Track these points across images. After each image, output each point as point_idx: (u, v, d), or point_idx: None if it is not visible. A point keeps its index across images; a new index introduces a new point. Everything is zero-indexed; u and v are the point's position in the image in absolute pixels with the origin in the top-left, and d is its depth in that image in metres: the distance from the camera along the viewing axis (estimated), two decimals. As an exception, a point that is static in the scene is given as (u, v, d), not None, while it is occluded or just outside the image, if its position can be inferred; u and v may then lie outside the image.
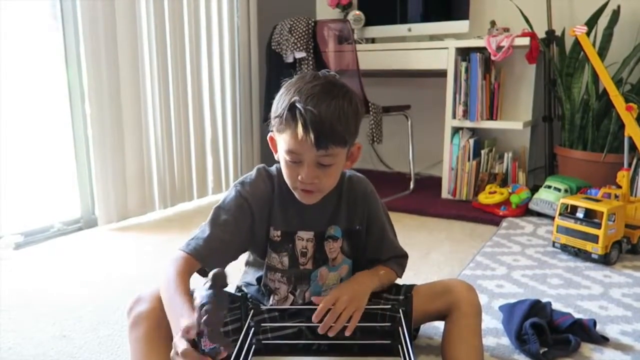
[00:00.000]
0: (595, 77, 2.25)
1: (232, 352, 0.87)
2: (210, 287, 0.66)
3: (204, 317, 0.64)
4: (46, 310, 1.37)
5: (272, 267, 1.04)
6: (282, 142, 0.91)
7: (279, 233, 1.01)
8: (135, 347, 0.85)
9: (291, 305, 1.05)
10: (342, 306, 0.92)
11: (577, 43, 2.30)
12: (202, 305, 0.65)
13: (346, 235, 1.04)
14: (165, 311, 0.81)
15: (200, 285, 0.70)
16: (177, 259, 0.91)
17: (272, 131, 0.95)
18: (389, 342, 1.02)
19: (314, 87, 0.88)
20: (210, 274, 0.66)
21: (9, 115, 1.96)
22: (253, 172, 1.03)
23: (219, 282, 0.66)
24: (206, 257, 0.93)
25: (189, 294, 0.81)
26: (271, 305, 1.05)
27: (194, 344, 0.67)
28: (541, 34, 2.50)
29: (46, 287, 1.53)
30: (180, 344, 0.67)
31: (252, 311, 1.01)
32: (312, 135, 0.84)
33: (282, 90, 0.92)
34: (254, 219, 0.99)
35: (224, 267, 0.95)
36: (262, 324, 1.03)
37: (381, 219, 1.08)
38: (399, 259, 1.11)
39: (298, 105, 0.85)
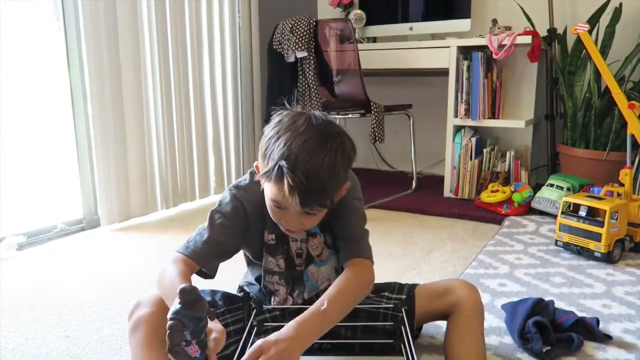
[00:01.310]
0: (597, 75, 2.24)
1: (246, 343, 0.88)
2: (179, 303, 0.66)
3: (168, 332, 0.65)
4: (49, 310, 1.37)
5: (270, 271, 1.04)
6: (267, 189, 0.89)
7: (273, 236, 1.02)
8: (135, 350, 0.86)
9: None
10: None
11: (579, 41, 2.29)
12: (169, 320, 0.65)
13: (324, 228, 1.02)
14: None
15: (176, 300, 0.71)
16: (176, 261, 0.91)
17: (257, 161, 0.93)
18: (391, 341, 1.02)
19: (306, 141, 0.83)
20: (178, 289, 0.66)
21: (12, 116, 1.97)
22: (247, 176, 1.02)
23: (187, 297, 0.66)
24: (204, 259, 0.94)
25: None
26: (273, 306, 1.05)
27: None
28: (543, 32, 2.50)
29: (49, 287, 1.53)
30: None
31: (254, 311, 1.01)
32: (297, 199, 0.82)
33: (272, 132, 0.87)
34: (248, 222, 0.99)
35: (217, 269, 0.97)
36: (265, 324, 1.03)
37: (345, 210, 1.00)
38: (357, 243, 1.00)
39: (286, 171, 0.81)
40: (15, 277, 1.62)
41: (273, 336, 0.80)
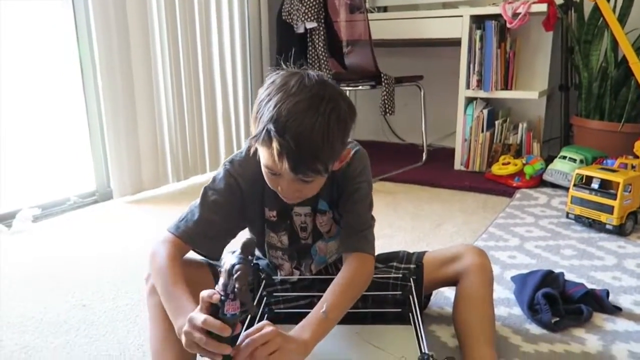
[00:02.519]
0: (614, 44, 2.18)
1: (256, 314, 0.90)
2: (240, 253, 0.70)
3: (237, 274, 0.67)
4: (65, 281, 1.40)
5: (273, 246, 1.03)
6: (260, 154, 0.84)
7: (274, 213, 0.98)
8: (153, 312, 0.88)
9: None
10: (264, 339, 0.73)
11: (596, 9, 2.22)
12: (233, 266, 0.68)
13: (334, 206, 1.00)
14: (162, 300, 0.82)
15: (228, 252, 0.72)
16: (166, 242, 0.89)
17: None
18: (400, 310, 1.03)
19: (297, 103, 0.77)
20: (241, 243, 0.70)
21: (24, 90, 1.97)
22: (243, 149, 0.96)
23: (248, 249, 0.70)
24: (196, 239, 0.91)
25: (185, 283, 0.82)
26: (282, 277, 1.06)
27: (213, 312, 0.69)
28: (559, 0, 2.43)
29: (65, 258, 1.57)
30: (199, 316, 0.69)
31: (264, 282, 1.02)
32: (287, 165, 0.77)
33: (264, 93, 0.81)
34: (244, 199, 0.95)
35: (219, 249, 0.93)
36: (275, 294, 1.05)
37: (352, 194, 0.96)
38: (360, 235, 0.96)
39: (274, 135, 0.76)
40: (31, 249, 1.66)
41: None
